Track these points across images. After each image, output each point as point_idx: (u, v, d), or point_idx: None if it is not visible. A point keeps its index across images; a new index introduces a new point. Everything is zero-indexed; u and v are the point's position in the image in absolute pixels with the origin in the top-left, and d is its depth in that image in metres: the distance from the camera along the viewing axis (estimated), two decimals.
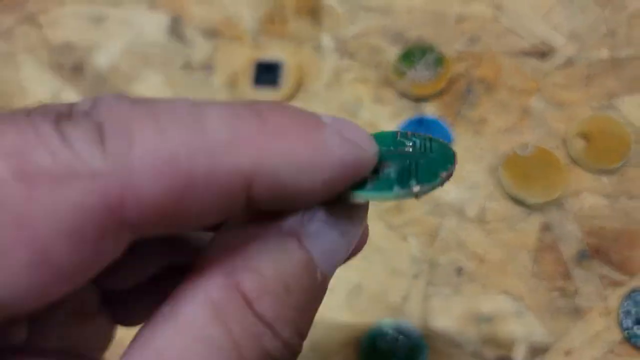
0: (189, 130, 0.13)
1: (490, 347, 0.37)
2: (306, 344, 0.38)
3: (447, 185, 0.41)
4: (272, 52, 0.47)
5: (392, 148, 0.19)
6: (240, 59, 0.47)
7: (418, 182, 0.17)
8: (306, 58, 0.47)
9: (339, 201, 0.17)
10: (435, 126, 0.42)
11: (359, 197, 0.17)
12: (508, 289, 0.39)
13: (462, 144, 0.42)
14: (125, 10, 0.51)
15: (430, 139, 0.19)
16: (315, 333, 0.38)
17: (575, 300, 0.38)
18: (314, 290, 0.17)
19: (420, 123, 0.43)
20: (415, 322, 0.38)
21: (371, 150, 0.16)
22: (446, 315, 0.38)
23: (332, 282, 0.40)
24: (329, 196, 0.16)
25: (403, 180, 0.17)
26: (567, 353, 0.37)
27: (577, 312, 0.38)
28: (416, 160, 0.18)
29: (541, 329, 0.38)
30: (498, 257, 0.39)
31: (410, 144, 0.19)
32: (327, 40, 0.47)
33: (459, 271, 0.39)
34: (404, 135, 0.20)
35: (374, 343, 0.37)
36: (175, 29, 0.49)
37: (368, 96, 0.45)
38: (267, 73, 0.46)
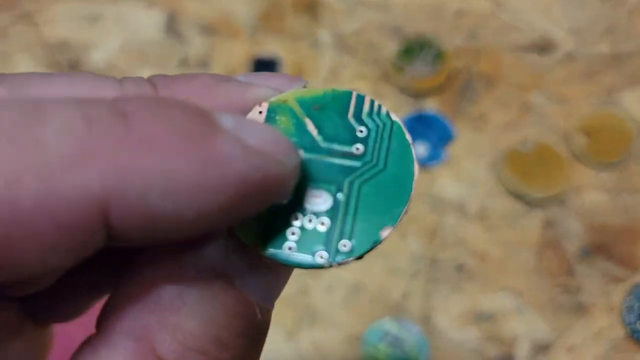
0: (17, 144, 0.10)
1: (492, 345, 0.37)
2: (306, 343, 0.38)
3: (447, 182, 0.41)
4: (270, 49, 0.47)
5: (334, 137, 0.15)
6: (237, 56, 0.47)
7: (351, 243, 0.14)
8: (304, 54, 0.46)
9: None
10: (435, 122, 0.42)
11: (269, 255, 0.13)
12: (509, 286, 0.38)
13: (462, 139, 0.42)
14: (121, 7, 0.50)
15: (391, 130, 0.15)
16: (315, 333, 0.38)
17: (577, 296, 0.38)
18: (255, 332, 0.13)
19: (420, 119, 0.42)
20: (416, 320, 0.38)
21: (288, 163, 0.13)
22: (447, 313, 0.38)
23: (331, 281, 0.40)
24: (234, 222, 0.13)
25: (330, 237, 0.14)
26: (570, 350, 0.37)
27: (579, 309, 0.37)
28: (359, 186, 0.14)
29: (543, 326, 0.37)
30: (499, 254, 0.39)
31: (363, 130, 0.15)
32: (325, 36, 0.47)
33: (460, 268, 0.39)
34: (359, 107, 0.15)
35: (375, 342, 0.37)
36: (172, 26, 0.49)
37: (367, 92, 0.44)
38: (264, 70, 0.46)
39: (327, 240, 0.14)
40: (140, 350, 0.12)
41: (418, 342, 0.37)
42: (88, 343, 0.13)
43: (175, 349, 0.12)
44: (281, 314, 0.38)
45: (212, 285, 0.13)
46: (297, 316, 0.38)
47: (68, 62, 0.48)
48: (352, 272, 0.39)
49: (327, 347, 0.37)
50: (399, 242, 0.40)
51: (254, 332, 0.13)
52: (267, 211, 0.13)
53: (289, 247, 0.14)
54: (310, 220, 0.14)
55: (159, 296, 0.13)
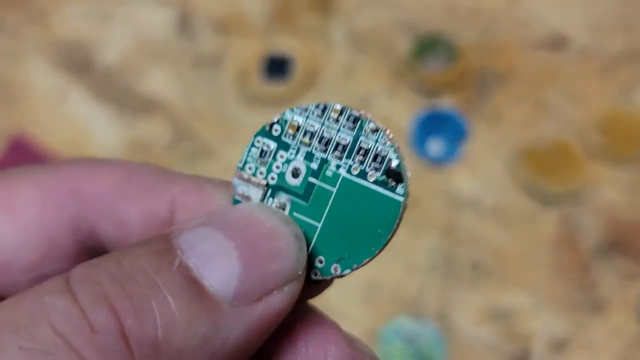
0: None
1: (508, 341, 0.37)
2: None
3: (462, 179, 0.41)
4: (283, 47, 0.47)
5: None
6: (250, 54, 0.47)
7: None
8: (317, 52, 0.46)
9: None
10: (450, 120, 0.42)
11: None
12: (525, 282, 0.38)
13: (477, 137, 0.42)
14: (132, 6, 0.50)
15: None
16: None
17: (593, 293, 0.38)
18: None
19: (434, 117, 0.42)
20: (432, 317, 0.38)
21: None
22: (463, 310, 0.38)
23: (348, 278, 0.40)
24: None
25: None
26: (586, 346, 0.37)
27: (595, 305, 0.37)
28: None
29: (560, 322, 0.37)
30: (515, 251, 0.39)
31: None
32: (338, 34, 0.47)
33: (476, 265, 0.39)
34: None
35: (391, 339, 0.37)
36: (184, 24, 0.49)
37: (381, 89, 0.44)
38: (277, 67, 0.46)
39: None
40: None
41: (434, 338, 0.37)
42: None
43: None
44: None
45: None
46: None
47: (80, 61, 0.48)
48: (368, 269, 0.39)
49: None
50: (415, 240, 0.40)
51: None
52: None
53: None
54: None
55: None
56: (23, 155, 0.45)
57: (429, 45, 0.45)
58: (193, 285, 0.13)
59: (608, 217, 0.39)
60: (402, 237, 0.40)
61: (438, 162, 0.41)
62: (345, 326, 0.39)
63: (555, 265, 0.39)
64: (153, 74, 0.47)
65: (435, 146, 0.41)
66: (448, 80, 0.43)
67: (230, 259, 0.13)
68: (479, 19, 0.46)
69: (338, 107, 0.15)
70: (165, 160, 0.44)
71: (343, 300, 0.38)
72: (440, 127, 0.42)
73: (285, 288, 0.14)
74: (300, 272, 0.14)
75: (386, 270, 0.39)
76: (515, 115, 0.43)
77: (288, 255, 0.14)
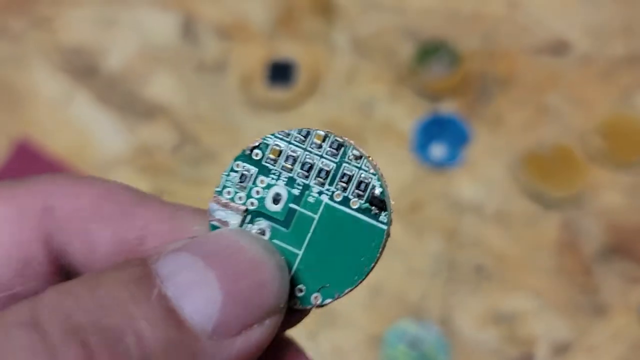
0: None
1: (511, 345, 0.37)
2: (326, 344, 0.38)
3: (464, 183, 0.41)
4: (286, 52, 0.47)
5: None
6: (253, 59, 0.47)
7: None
8: (320, 57, 0.47)
9: None
10: (451, 124, 0.42)
11: None
12: (528, 286, 0.38)
13: (479, 141, 0.42)
14: (136, 12, 0.51)
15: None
16: (335, 334, 0.38)
17: (596, 296, 0.38)
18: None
19: (436, 121, 0.42)
20: (435, 321, 0.38)
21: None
22: (466, 314, 0.38)
23: None
24: None
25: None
26: (589, 350, 0.37)
27: (598, 309, 0.38)
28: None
29: (562, 326, 0.37)
30: (517, 254, 0.39)
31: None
32: (341, 40, 0.47)
33: (479, 269, 0.39)
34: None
35: (394, 343, 0.37)
36: (188, 30, 0.49)
37: (383, 95, 0.45)
38: (280, 72, 0.46)
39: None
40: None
41: (438, 342, 0.37)
42: None
43: None
44: None
45: None
46: (317, 317, 0.38)
47: (84, 67, 0.49)
48: (371, 273, 0.39)
49: (346, 348, 0.37)
50: (418, 244, 0.40)
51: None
52: None
53: None
54: None
55: None
56: (27, 160, 0.45)
57: (431, 51, 0.45)
58: (171, 317, 0.12)
59: (610, 221, 0.40)
60: (404, 241, 0.40)
61: (440, 167, 0.41)
62: (349, 330, 0.40)
63: (557, 269, 0.39)
64: (157, 79, 0.48)
65: (437, 150, 0.42)
66: (450, 85, 0.44)
67: (211, 290, 0.13)
68: (481, 25, 0.46)
69: (321, 133, 0.15)
70: (170, 165, 0.44)
71: (346, 305, 0.38)
72: (442, 132, 0.42)
73: (267, 321, 0.13)
74: (282, 305, 0.13)
75: (389, 274, 0.39)
76: (517, 119, 0.43)
77: (272, 287, 0.13)
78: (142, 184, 0.43)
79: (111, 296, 0.12)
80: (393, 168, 0.42)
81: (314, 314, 0.35)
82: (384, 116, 0.44)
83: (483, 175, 0.41)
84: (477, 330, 0.38)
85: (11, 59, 0.50)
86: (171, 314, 0.12)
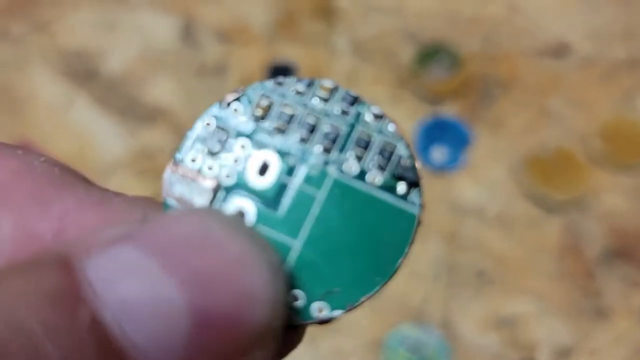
0: None
1: (513, 349, 0.37)
2: (326, 348, 0.38)
3: (465, 186, 0.41)
4: (286, 55, 0.47)
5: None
6: (253, 62, 0.47)
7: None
8: (320, 60, 0.47)
9: None
10: (453, 127, 0.42)
11: None
12: (530, 290, 0.38)
13: (480, 144, 0.42)
14: (137, 15, 0.50)
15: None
16: (335, 338, 0.38)
17: (598, 300, 0.38)
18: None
19: (437, 124, 0.42)
20: (437, 325, 0.38)
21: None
22: (468, 318, 0.38)
23: None
24: None
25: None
26: (591, 354, 0.36)
27: (600, 312, 0.37)
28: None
29: (564, 330, 0.37)
30: (519, 258, 0.39)
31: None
32: (341, 42, 0.47)
33: (480, 273, 0.39)
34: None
35: (395, 347, 0.37)
36: (188, 33, 0.49)
37: (384, 97, 0.45)
38: (281, 75, 0.46)
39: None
40: None
41: (439, 346, 0.37)
42: None
43: None
44: None
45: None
46: None
47: (85, 71, 0.49)
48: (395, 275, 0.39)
49: (347, 353, 0.37)
50: (419, 247, 0.40)
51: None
52: None
53: None
54: None
55: None
56: None
57: (432, 54, 0.45)
58: (112, 357, 0.08)
59: (612, 224, 0.39)
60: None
61: (441, 170, 0.41)
62: (349, 334, 0.39)
63: (559, 273, 0.39)
64: (157, 83, 0.48)
65: (439, 154, 0.42)
66: (451, 88, 0.43)
67: (170, 311, 0.08)
68: (481, 27, 0.46)
69: (329, 84, 0.11)
70: None
71: None
72: (443, 135, 0.42)
73: (256, 353, 0.09)
74: (277, 326, 0.09)
75: None
76: (518, 122, 0.43)
77: (261, 301, 0.09)
78: (142, 188, 0.43)
79: (14, 326, 0.07)
80: None
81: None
82: None
83: (484, 179, 0.41)
84: (479, 335, 0.37)
85: (11, 63, 0.50)
86: (112, 354, 0.08)
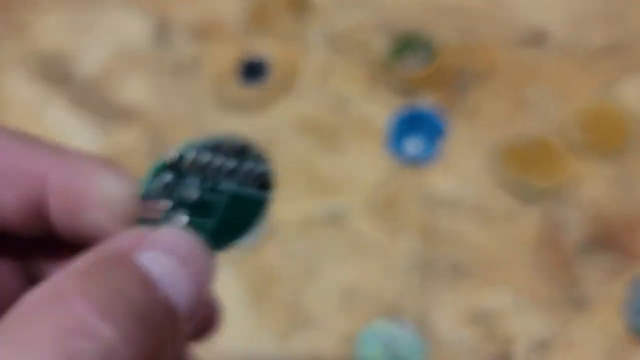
0: None
1: (490, 343, 0.36)
2: (299, 345, 0.37)
3: (440, 178, 0.40)
4: (260, 50, 0.46)
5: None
6: (227, 59, 0.46)
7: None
8: (294, 54, 0.46)
9: None
10: (426, 118, 0.41)
11: None
12: (507, 282, 0.37)
13: (456, 135, 0.41)
14: (111, 15, 0.50)
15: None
16: (308, 335, 0.37)
17: (577, 291, 0.37)
18: (155, 317, 0.14)
19: (413, 117, 0.42)
20: (412, 320, 0.37)
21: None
22: (443, 312, 0.37)
23: (325, 282, 0.39)
24: None
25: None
26: (570, 345, 0.36)
27: (579, 303, 0.36)
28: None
29: (542, 323, 0.36)
30: (495, 250, 0.38)
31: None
32: (315, 36, 0.46)
33: (456, 266, 0.38)
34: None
35: (370, 343, 0.36)
36: (162, 32, 0.49)
37: (359, 91, 0.44)
38: (254, 71, 0.45)
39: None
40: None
41: (414, 342, 0.36)
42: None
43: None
44: (273, 315, 0.37)
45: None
46: (289, 318, 0.37)
47: (59, 73, 0.48)
48: (345, 272, 0.38)
49: (320, 350, 0.36)
50: (393, 241, 0.39)
51: (153, 315, 0.13)
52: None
53: None
54: None
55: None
56: None
57: (407, 45, 0.44)
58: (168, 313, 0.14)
59: (591, 213, 0.39)
60: (379, 238, 0.39)
61: (415, 162, 0.41)
62: (322, 331, 0.39)
63: (537, 264, 0.38)
64: (132, 83, 0.47)
65: (412, 145, 0.41)
66: (426, 79, 0.43)
67: (188, 284, 0.15)
68: (457, 17, 0.45)
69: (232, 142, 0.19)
70: (147, 168, 0.43)
71: (318, 304, 0.37)
72: (418, 126, 0.41)
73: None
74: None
75: (363, 272, 0.38)
76: (495, 112, 0.42)
77: (211, 268, 0.16)
78: None
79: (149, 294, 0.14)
80: (367, 165, 0.41)
81: (288, 316, 0.34)
82: (359, 112, 0.43)
83: (460, 170, 0.41)
84: (455, 329, 0.37)
85: None
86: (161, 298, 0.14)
